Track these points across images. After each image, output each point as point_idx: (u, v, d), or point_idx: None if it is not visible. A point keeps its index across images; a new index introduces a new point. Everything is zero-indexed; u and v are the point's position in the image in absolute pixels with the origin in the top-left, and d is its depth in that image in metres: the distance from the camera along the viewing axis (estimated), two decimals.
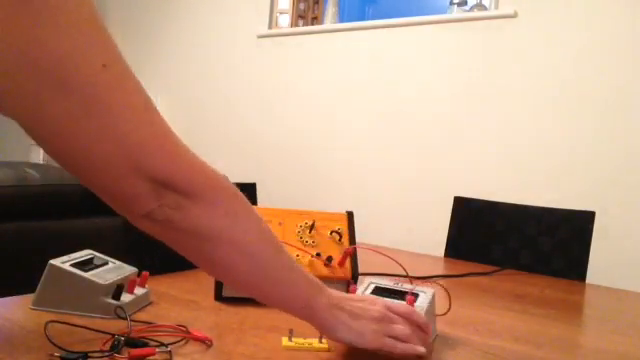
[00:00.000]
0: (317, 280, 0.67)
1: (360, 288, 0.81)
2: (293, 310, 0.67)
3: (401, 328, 0.68)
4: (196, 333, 0.70)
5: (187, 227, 0.57)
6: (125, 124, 0.50)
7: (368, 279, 0.84)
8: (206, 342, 0.70)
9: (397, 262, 0.94)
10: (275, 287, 0.65)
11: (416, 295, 0.79)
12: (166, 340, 0.67)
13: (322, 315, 0.66)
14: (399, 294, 0.80)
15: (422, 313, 0.76)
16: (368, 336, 0.67)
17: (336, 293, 0.69)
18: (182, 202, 0.55)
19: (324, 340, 0.71)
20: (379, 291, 0.81)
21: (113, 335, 0.65)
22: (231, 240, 0.60)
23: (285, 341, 0.72)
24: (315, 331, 0.70)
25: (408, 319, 0.70)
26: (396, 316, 0.69)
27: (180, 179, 0.55)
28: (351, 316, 0.67)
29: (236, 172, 3.15)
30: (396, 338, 0.68)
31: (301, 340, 0.72)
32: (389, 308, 0.70)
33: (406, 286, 0.82)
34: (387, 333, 0.67)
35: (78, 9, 0.47)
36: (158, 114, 0.54)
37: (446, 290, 0.89)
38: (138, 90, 0.52)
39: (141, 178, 0.52)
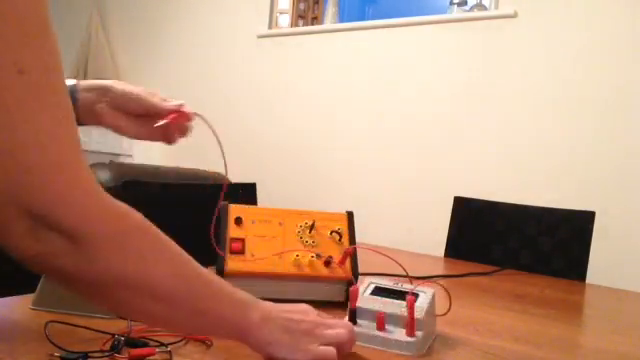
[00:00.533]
0: (247, 296, 0.64)
1: (360, 288, 0.81)
2: (226, 337, 0.64)
3: (335, 331, 0.67)
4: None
5: (82, 277, 0.49)
6: (18, 142, 0.43)
7: (368, 279, 0.84)
8: (206, 342, 0.70)
9: (397, 262, 0.94)
10: (200, 321, 0.60)
11: (416, 295, 0.79)
12: (166, 340, 0.67)
13: (255, 334, 0.62)
14: (399, 294, 0.80)
15: (422, 313, 0.76)
16: (301, 348, 0.63)
17: (267, 305, 0.65)
18: (71, 248, 0.47)
19: None
20: (379, 291, 0.81)
21: (113, 335, 0.65)
22: (136, 286, 0.53)
23: None
24: None
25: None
26: (332, 322, 0.68)
27: (69, 221, 0.46)
28: (284, 329, 0.64)
29: (236, 172, 3.15)
30: (332, 344, 0.65)
31: None
32: (322, 321, 0.68)
33: (406, 286, 0.82)
34: (321, 342, 0.65)
35: None
36: (72, 143, 0.47)
37: (446, 290, 0.89)
38: (55, 108, 0.46)
39: (17, 211, 0.44)
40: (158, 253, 0.55)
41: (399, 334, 0.75)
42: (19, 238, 0.45)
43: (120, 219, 0.51)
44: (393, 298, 0.79)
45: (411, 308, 0.74)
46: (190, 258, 0.59)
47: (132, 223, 0.53)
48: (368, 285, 0.82)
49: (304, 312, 0.67)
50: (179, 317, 0.58)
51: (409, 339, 0.74)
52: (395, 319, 0.76)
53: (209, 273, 0.61)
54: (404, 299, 0.77)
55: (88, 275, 0.49)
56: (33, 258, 0.46)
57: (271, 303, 0.66)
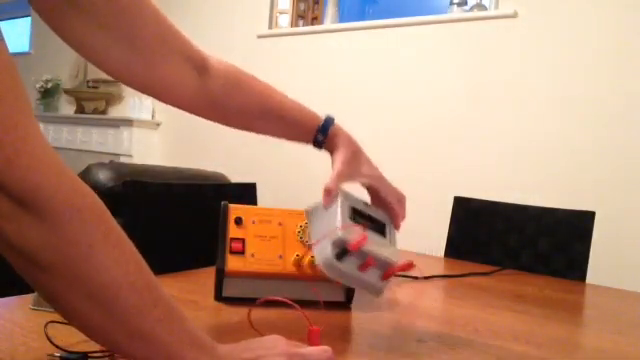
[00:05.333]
0: (205, 337, 0.54)
1: (336, 206, 0.77)
2: None
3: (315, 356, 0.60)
4: None
5: (17, 245, 0.44)
6: None
7: (340, 197, 0.78)
8: None
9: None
10: (139, 346, 0.50)
11: (383, 225, 0.81)
12: None
13: None
14: (375, 223, 0.80)
15: (397, 258, 0.76)
16: None
17: (225, 348, 0.56)
18: (16, 212, 0.43)
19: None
20: (356, 215, 0.78)
21: None
22: (75, 277, 0.46)
23: None
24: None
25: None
26: (306, 350, 0.60)
27: (16, 181, 0.43)
28: None
29: (236, 172, 3.15)
30: None
31: None
32: (295, 351, 0.59)
33: (375, 211, 0.83)
34: None
35: None
36: (19, 103, 0.44)
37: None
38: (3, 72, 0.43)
39: None
40: (110, 248, 0.48)
41: (374, 277, 0.75)
42: None
43: (74, 193, 0.46)
44: (372, 229, 0.78)
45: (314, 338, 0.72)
46: (149, 271, 0.51)
47: (88, 203, 0.47)
48: (343, 204, 0.77)
49: (271, 346, 0.58)
50: (115, 332, 0.49)
51: (381, 284, 0.76)
52: (379, 264, 0.75)
53: (170, 297, 0.53)
54: (376, 230, 0.78)
55: (26, 247, 0.44)
56: None
57: (232, 345, 0.57)
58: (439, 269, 1.46)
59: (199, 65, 0.77)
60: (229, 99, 0.80)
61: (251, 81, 0.84)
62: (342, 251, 0.72)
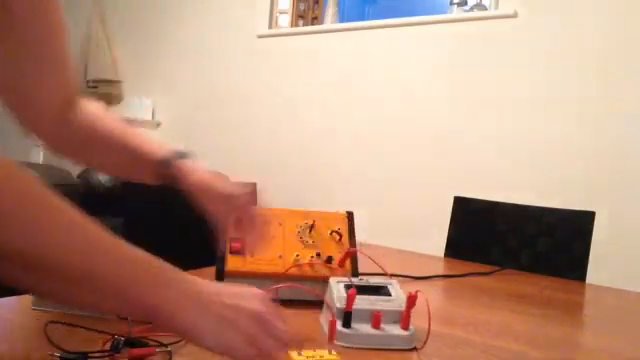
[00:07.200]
0: (164, 266, 0.51)
1: (333, 290, 0.81)
2: (131, 315, 0.51)
3: (277, 338, 0.56)
4: None
5: None
6: None
7: (332, 283, 0.83)
8: None
9: (375, 262, 0.93)
10: (98, 297, 0.48)
11: (384, 287, 0.82)
12: (166, 340, 0.67)
13: (178, 319, 0.50)
14: (370, 290, 0.81)
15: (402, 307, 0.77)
16: (240, 350, 0.53)
17: (200, 283, 0.53)
18: None
19: (334, 352, 0.69)
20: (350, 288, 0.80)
21: (113, 335, 0.65)
22: (11, 252, 0.43)
23: (295, 356, 0.68)
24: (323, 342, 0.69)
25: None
26: (275, 315, 0.56)
27: None
28: (220, 320, 0.52)
29: (236, 172, 3.15)
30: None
31: (310, 353, 0.70)
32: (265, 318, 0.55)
33: (371, 280, 0.84)
34: (261, 343, 0.54)
35: None
36: None
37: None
38: None
39: None
40: (32, 210, 0.44)
41: (396, 329, 0.75)
42: None
43: None
44: (369, 294, 0.79)
45: (412, 302, 0.75)
46: (83, 218, 0.47)
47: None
48: (336, 287, 0.81)
49: (249, 295, 0.56)
50: (69, 290, 0.46)
51: (407, 332, 0.75)
52: (388, 315, 0.76)
53: (108, 234, 0.48)
54: (379, 293, 0.79)
55: None
56: None
57: (206, 282, 0.55)
58: (439, 269, 1.46)
59: (69, 99, 0.78)
60: (86, 131, 0.82)
61: (105, 118, 0.84)
62: (346, 317, 0.75)
